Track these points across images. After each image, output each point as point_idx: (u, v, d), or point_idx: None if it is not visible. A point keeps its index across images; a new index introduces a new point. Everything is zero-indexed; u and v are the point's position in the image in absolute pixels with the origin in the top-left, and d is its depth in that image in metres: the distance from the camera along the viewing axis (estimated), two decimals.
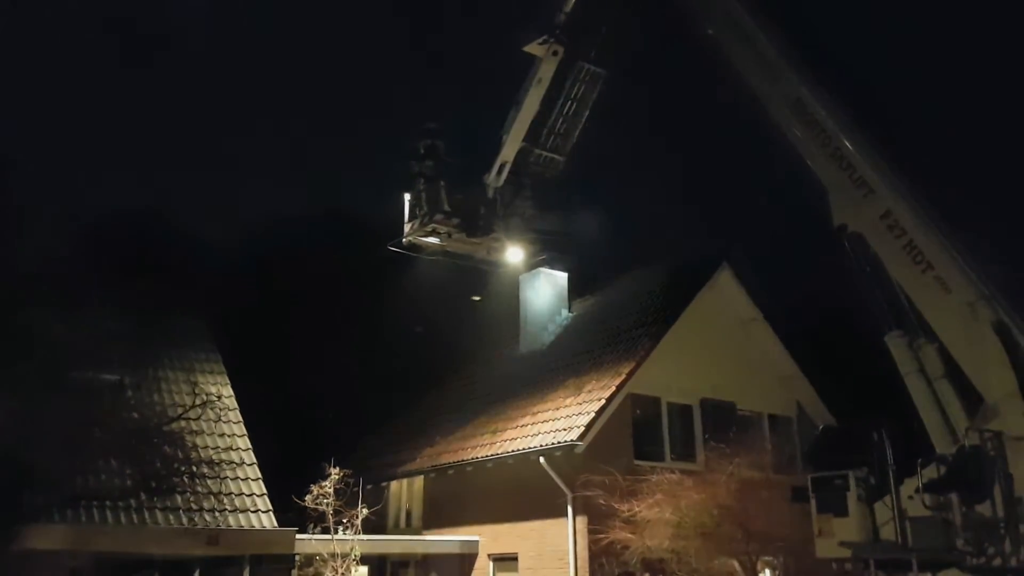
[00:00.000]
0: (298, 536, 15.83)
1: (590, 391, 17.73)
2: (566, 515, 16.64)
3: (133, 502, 14.77)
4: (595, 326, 21.16)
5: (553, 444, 16.75)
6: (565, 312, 22.89)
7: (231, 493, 16.02)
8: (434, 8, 67.79)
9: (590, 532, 16.06)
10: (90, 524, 14.24)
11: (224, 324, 21.25)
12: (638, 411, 17.97)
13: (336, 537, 16.47)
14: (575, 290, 23.30)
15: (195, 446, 16.02)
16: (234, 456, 16.77)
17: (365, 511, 16.79)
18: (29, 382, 12.19)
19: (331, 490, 16.36)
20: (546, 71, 15.68)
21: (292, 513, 16.49)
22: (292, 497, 16.55)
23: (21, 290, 12.59)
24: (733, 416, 19.04)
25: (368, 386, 27.46)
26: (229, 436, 17.21)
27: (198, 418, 16.04)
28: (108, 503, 14.59)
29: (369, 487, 18.32)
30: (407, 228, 16.62)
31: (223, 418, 17.15)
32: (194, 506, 15.22)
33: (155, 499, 14.89)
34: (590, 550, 16.08)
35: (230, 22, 64.06)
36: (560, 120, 16.21)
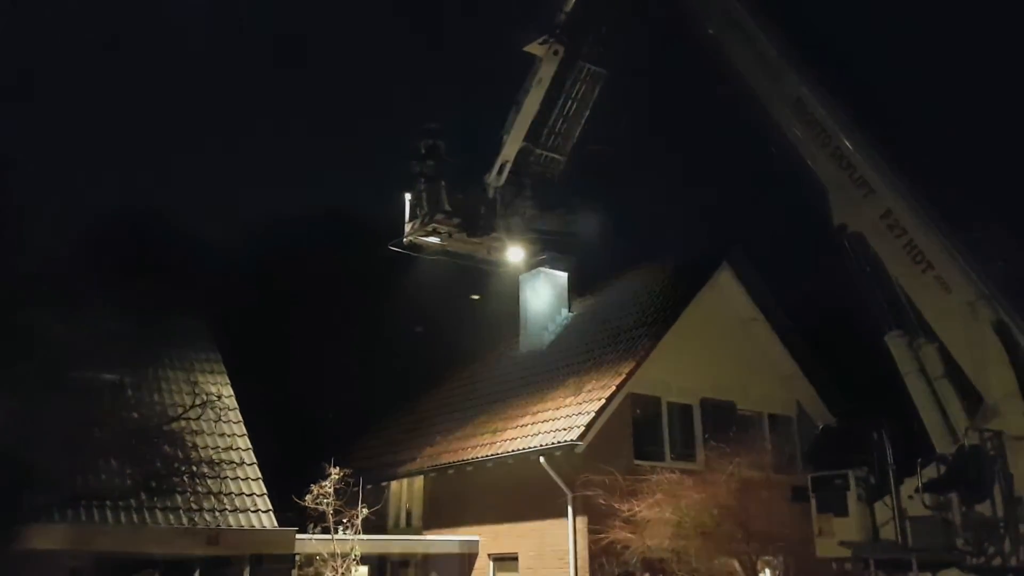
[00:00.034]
0: (298, 536, 15.84)
1: (590, 391, 17.73)
2: (566, 515, 16.64)
3: (133, 502, 14.77)
4: (595, 326, 21.16)
5: (553, 444, 16.75)
6: (565, 312, 22.89)
7: (231, 493, 16.02)
8: (434, 8, 67.81)
9: (590, 532, 16.07)
10: (90, 524, 14.23)
11: (224, 324, 21.24)
12: (638, 411, 17.98)
13: (336, 537, 16.48)
14: (575, 290, 23.30)
15: (195, 446, 16.02)
16: (234, 456, 16.77)
17: (365, 511, 16.80)
18: (29, 382, 12.19)
19: (331, 490, 16.37)
20: (546, 71, 15.69)
21: (292, 513, 16.50)
22: (292, 497, 16.56)
23: (21, 290, 12.59)
24: (733, 416, 19.05)
25: (368, 386, 27.44)
26: (229, 436, 17.21)
27: (198, 418, 16.04)
28: (108, 503, 14.58)
29: (369, 487, 18.33)
30: (408, 228, 16.64)
31: (223, 418, 17.14)
32: (194, 506, 15.21)
33: (155, 499, 14.89)
34: (590, 550, 16.09)
35: (230, 22, 64.07)
36: (560, 120, 16.23)
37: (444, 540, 19.28)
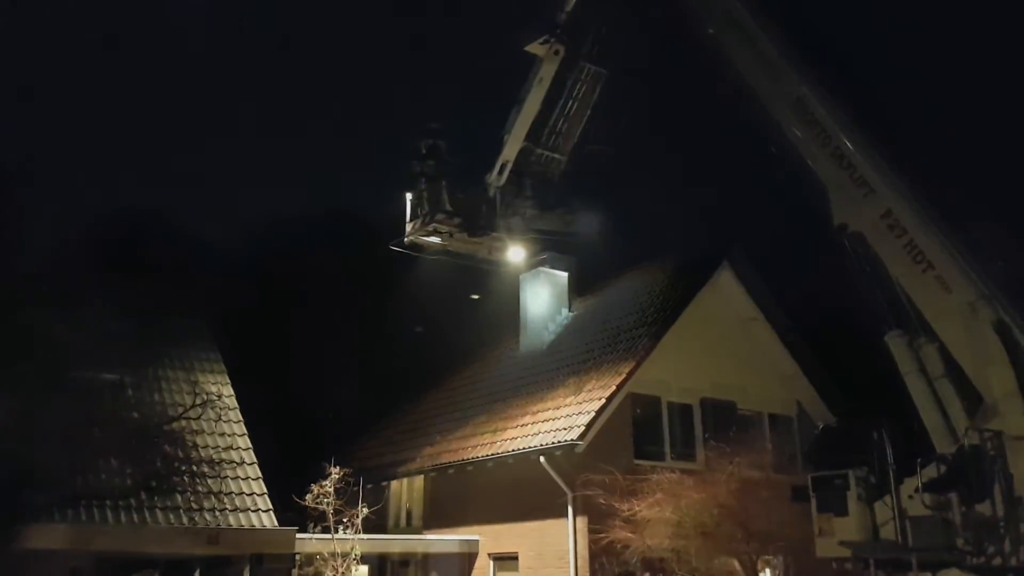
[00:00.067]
0: (298, 535, 15.85)
1: (590, 390, 17.74)
2: (566, 514, 16.64)
3: (133, 501, 14.77)
4: (595, 325, 21.17)
5: (553, 443, 16.75)
6: (565, 311, 22.90)
7: (231, 492, 16.02)
8: (435, 8, 67.85)
9: (590, 531, 16.07)
10: (90, 523, 14.24)
11: (224, 324, 21.24)
12: (638, 410, 17.97)
13: (336, 536, 16.49)
14: (575, 289, 23.30)
15: (195, 445, 16.02)
16: (234, 455, 16.77)
17: (365, 510, 16.81)
18: (29, 382, 12.19)
19: (331, 489, 16.37)
20: (547, 71, 15.71)
21: (292, 512, 16.50)
22: (292, 496, 16.55)
23: (21, 290, 12.59)
24: (733, 415, 19.05)
25: (368, 386, 27.44)
26: (229, 435, 17.21)
27: (198, 417, 16.04)
28: (108, 502, 14.59)
29: (369, 486, 18.33)
30: (408, 227, 16.65)
31: (223, 417, 17.14)
32: (194, 505, 15.21)
33: (155, 498, 14.89)
34: (590, 549, 16.09)
35: (230, 22, 64.09)
36: (561, 120, 16.23)
37: (444, 540, 19.28)
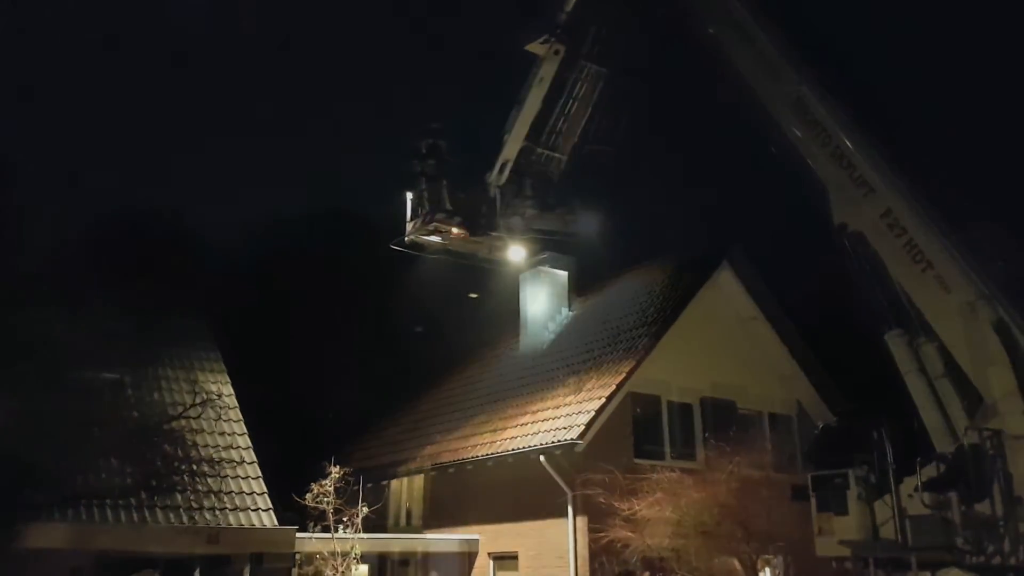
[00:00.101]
0: (298, 535, 15.86)
1: (590, 390, 17.74)
2: (566, 514, 16.65)
3: (133, 501, 14.77)
4: (595, 325, 21.17)
5: (553, 443, 16.76)
6: (565, 311, 22.90)
7: (231, 492, 16.02)
8: (435, 8, 67.84)
9: (590, 531, 16.07)
10: (90, 523, 14.24)
11: (224, 324, 21.25)
12: (638, 410, 17.98)
13: (336, 536, 16.49)
14: (575, 289, 23.31)
15: (195, 445, 16.02)
16: (234, 455, 16.77)
17: (365, 510, 16.81)
18: (29, 382, 12.19)
19: (331, 489, 16.38)
20: (548, 70, 15.73)
21: (292, 512, 16.50)
22: (292, 496, 16.56)
23: (21, 290, 12.59)
24: (733, 415, 19.05)
25: (368, 385, 27.44)
26: (229, 435, 17.22)
27: (198, 417, 16.04)
28: (108, 502, 14.59)
29: (369, 486, 18.33)
30: (409, 227, 16.67)
31: (223, 417, 17.14)
32: (194, 505, 15.22)
33: (155, 498, 14.88)
34: (590, 549, 16.10)
35: (230, 22, 64.08)
36: (561, 119, 16.24)
37: (444, 539, 19.29)
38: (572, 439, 16.27)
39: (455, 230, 16.48)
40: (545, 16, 15.95)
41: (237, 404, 18.07)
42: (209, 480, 15.77)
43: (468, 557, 19.00)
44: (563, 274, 22.92)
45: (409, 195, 16.62)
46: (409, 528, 21.19)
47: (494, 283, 21.66)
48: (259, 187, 57.99)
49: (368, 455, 22.76)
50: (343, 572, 16.31)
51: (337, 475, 16.44)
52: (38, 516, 13.19)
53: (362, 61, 72.46)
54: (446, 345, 26.95)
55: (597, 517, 15.82)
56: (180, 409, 15.99)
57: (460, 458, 19.31)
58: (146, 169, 56.47)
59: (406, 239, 16.80)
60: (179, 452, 15.34)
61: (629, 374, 17.48)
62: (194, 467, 15.43)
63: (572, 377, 18.89)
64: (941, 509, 11.17)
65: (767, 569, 17.20)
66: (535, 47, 15.84)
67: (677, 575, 15.50)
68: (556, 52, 15.63)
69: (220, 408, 16.81)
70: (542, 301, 22.63)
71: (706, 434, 18.17)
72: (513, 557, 18.00)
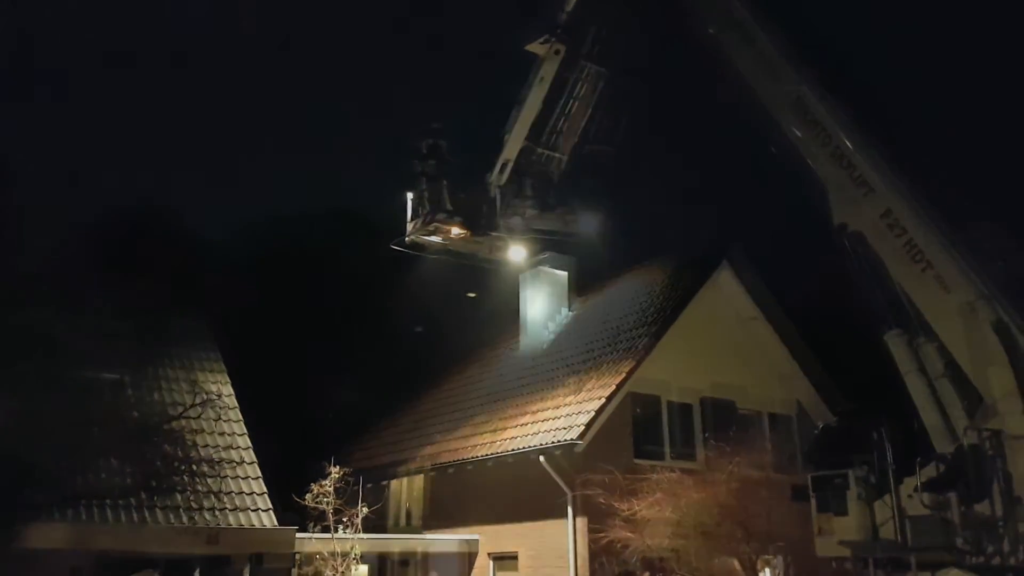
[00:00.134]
0: (298, 535, 15.85)
1: (590, 390, 17.74)
2: (566, 514, 16.65)
3: (133, 501, 14.77)
4: (595, 325, 21.17)
5: (553, 443, 16.75)
6: (565, 311, 22.90)
7: (231, 492, 16.02)
8: (435, 8, 67.84)
9: (590, 531, 16.07)
10: (90, 523, 14.24)
11: (224, 324, 21.24)
12: (638, 410, 17.98)
13: (336, 536, 16.49)
14: (575, 289, 23.30)
15: (195, 445, 15.97)
16: (234, 455, 16.77)
17: (365, 510, 16.80)
18: (29, 382, 12.19)
19: (331, 489, 16.37)
20: (548, 70, 15.74)
21: (292, 512, 16.50)
22: (292, 496, 16.55)
23: (21, 290, 12.58)
24: (733, 415, 19.05)
25: (368, 385, 27.45)
26: (229, 435, 17.22)
27: (198, 417, 16.01)
28: (108, 502, 14.59)
29: (369, 486, 18.33)
30: (410, 227, 16.69)
31: (223, 417, 17.13)
32: (194, 505, 15.21)
33: (155, 498, 14.87)
34: (590, 549, 16.09)
35: (231, 22, 64.10)
36: (562, 119, 16.25)
37: (444, 539, 19.29)
38: (572, 439, 16.27)
39: (455, 230, 16.51)
40: (545, 16, 15.97)
41: (237, 404, 18.07)
42: (209, 480, 15.76)
43: (468, 557, 19.00)
44: (563, 274, 22.92)
45: (409, 195, 16.65)
46: (409, 528, 21.19)
47: (494, 283, 21.66)
48: (259, 187, 58.03)
49: (368, 455, 22.76)
50: (343, 572, 16.31)
51: (337, 475, 16.43)
52: (38, 516, 13.17)
53: (362, 61, 72.51)
54: (446, 345, 26.94)
55: (597, 517, 15.82)
56: (180, 409, 15.96)
57: (460, 458, 19.31)
58: (146, 169, 56.52)
59: (406, 239, 16.82)
60: (179, 452, 15.30)
61: (629, 374, 17.48)
62: (194, 467, 15.40)
63: (572, 377, 18.89)
64: (941, 509, 11.18)
65: (767, 569, 17.19)
66: (535, 47, 15.85)
67: (677, 575, 15.50)
68: (556, 52, 15.64)
69: (220, 408, 16.79)
70: (542, 301, 22.63)
71: (706, 434, 18.17)
72: (513, 557, 18.00)
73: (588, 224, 17.03)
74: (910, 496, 11.39)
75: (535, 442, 17.35)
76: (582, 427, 16.39)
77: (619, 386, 17.23)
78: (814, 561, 12.93)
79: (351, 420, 25.80)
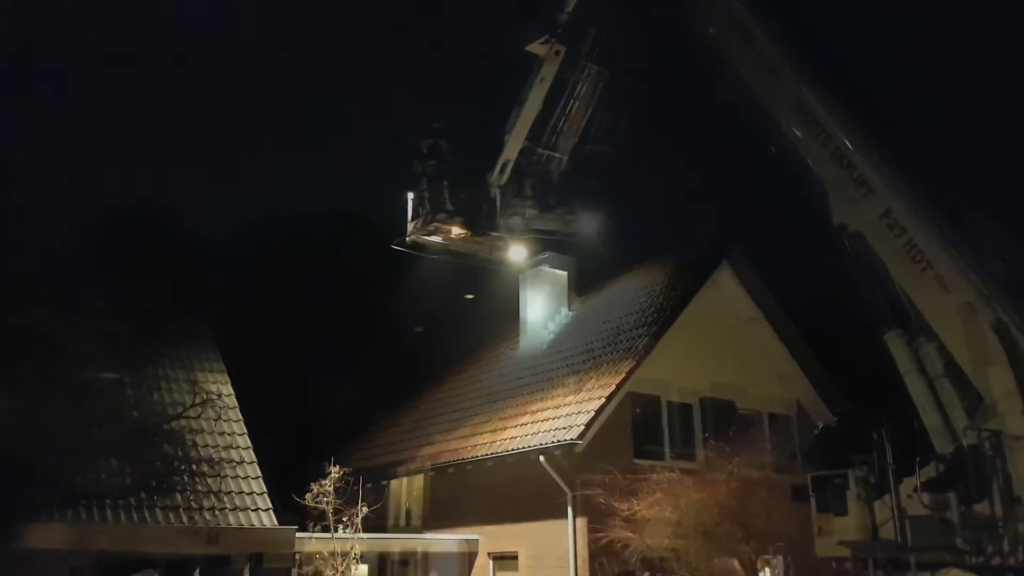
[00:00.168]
0: (298, 535, 15.84)
1: (590, 390, 17.74)
2: (566, 514, 16.65)
3: (133, 501, 14.76)
4: (595, 325, 21.17)
5: (553, 443, 16.75)
6: (565, 310, 22.91)
7: (231, 492, 16.01)
8: (435, 7, 67.84)
9: (590, 531, 16.07)
10: (90, 523, 14.24)
11: (224, 324, 21.24)
12: (638, 410, 17.98)
13: (336, 536, 16.48)
14: (575, 289, 23.31)
15: (195, 445, 15.98)
16: (234, 455, 16.77)
17: (365, 510, 16.79)
18: (29, 382, 12.19)
19: (331, 488, 16.36)
20: (548, 70, 15.76)
21: (292, 512, 16.50)
22: (292, 496, 16.55)
23: (21, 290, 12.58)
24: (733, 415, 19.04)
25: (368, 385, 27.45)
26: (229, 435, 17.22)
27: (198, 417, 16.01)
28: (108, 502, 14.58)
29: (369, 486, 18.32)
30: (410, 227, 16.71)
31: (223, 417, 17.12)
32: (194, 505, 15.21)
33: (155, 498, 14.87)
34: (590, 549, 16.10)
35: (231, 22, 64.10)
36: (562, 119, 16.25)
37: (444, 539, 19.29)
38: (572, 439, 16.27)
39: (456, 230, 16.53)
40: (545, 16, 15.98)
41: (237, 404, 18.07)
42: (209, 480, 15.76)
43: (468, 557, 19.00)
44: (563, 274, 22.92)
45: (410, 195, 16.67)
46: (409, 528, 21.19)
47: (494, 283, 21.67)
48: (259, 187, 58.03)
49: (368, 455, 22.76)
50: (343, 572, 16.31)
51: (337, 475, 16.42)
52: (38, 516, 13.18)
53: (362, 61, 72.53)
54: (446, 345, 26.94)
55: (597, 517, 15.82)
56: (180, 409, 15.97)
57: (460, 458, 19.31)
58: (146, 169, 56.52)
59: (407, 239, 16.84)
60: (179, 452, 15.29)
61: (629, 374, 17.48)
62: (194, 467, 15.40)
63: (572, 377, 18.89)
64: (940, 509, 11.16)
65: (767, 569, 17.19)
66: (536, 47, 15.87)
67: (677, 575, 15.50)
68: (557, 52, 15.66)
69: (220, 408, 16.78)
70: (542, 301, 22.64)
71: (706, 434, 18.16)
72: (513, 557, 18.00)
73: (588, 224, 17.04)
74: (910, 496, 11.37)
75: (535, 442, 17.35)
76: (582, 427, 16.39)
77: (619, 386, 17.23)
78: (814, 561, 12.91)
79: (351, 420, 25.80)
